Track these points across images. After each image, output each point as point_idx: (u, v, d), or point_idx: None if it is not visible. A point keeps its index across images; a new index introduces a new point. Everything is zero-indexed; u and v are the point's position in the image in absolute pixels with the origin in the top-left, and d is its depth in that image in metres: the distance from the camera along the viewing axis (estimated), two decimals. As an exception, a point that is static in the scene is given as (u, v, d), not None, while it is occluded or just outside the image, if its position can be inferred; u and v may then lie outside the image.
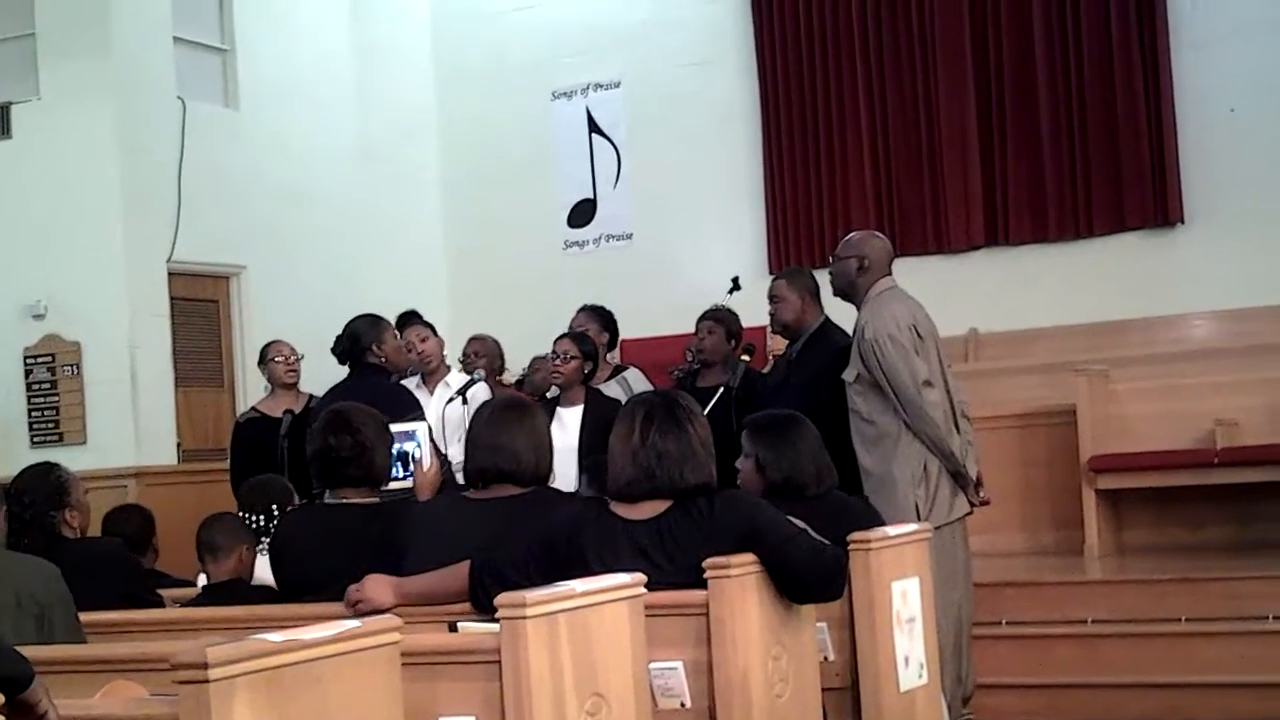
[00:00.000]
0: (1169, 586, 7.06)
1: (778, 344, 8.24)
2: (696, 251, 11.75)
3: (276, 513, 5.74)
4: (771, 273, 10.38)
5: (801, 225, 11.65)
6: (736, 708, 3.79)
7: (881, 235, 6.53)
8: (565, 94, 12.57)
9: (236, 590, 5.01)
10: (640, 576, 3.59)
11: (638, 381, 7.61)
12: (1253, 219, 10.23)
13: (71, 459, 7.08)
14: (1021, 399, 9.15)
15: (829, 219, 11.47)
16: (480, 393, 7.00)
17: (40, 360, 10.61)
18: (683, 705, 3.79)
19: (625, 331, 8.47)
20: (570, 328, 7.64)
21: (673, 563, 3.89)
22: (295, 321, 9.37)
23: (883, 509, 5.38)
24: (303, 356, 7.66)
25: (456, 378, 7.60)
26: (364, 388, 6.34)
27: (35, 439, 10.56)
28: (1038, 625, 7.10)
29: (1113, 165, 10.65)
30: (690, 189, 12.00)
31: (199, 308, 11.23)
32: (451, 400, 7.16)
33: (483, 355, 8.18)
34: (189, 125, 10.91)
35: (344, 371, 6.90)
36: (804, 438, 4.97)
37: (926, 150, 11.25)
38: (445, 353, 7.88)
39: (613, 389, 7.41)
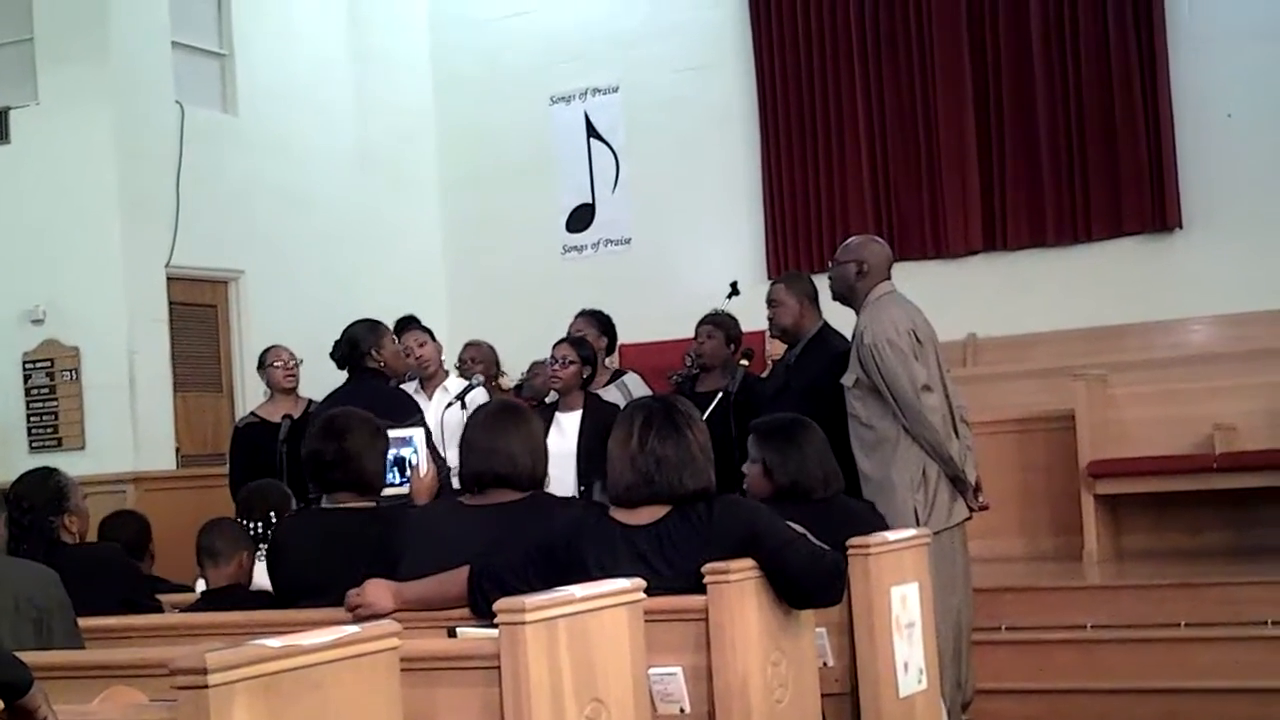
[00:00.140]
0: (1168, 591, 7.06)
1: (776, 349, 8.24)
2: (695, 256, 11.75)
3: (275, 519, 5.74)
4: (770, 277, 10.40)
5: (800, 230, 11.65)
6: (736, 713, 3.79)
7: (880, 240, 6.53)
8: (563, 99, 12.57)
9: (235, 596, 5.00)
10: (640, 582, 3.59)
11: (636, 386, 7.61)
12: (1251, 224, 10.24)
13: (70, 464, 7.07)
14: (1020, 404, 9.16)
15: (827, 224, 11.47)
16: (479, 397, 7.00)
17: (39, 365, 10.61)
18: (682, 711, 3.78)
19: (624, 336, 8.48)
20: (569, 332, 7.64)
21: (672, 568, 3.89)
22: (294, 326, 9.37)
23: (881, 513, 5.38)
24: (301, 361, 7.66)
25: (455, 383, 7.60)
26: (363, 393, 6.34)
27: (34, 444, 10.55)
28: (1037, 630, 7.10)
29: (1111, 170, 10.66)
30: (689, 194, 12.01)
31: (198, 313, 11.22)
32: (450, 405, 7.16)
33: (479, 361, 8.18)
34: (187, 130, 10.90)
35: (343, 376, 6.89)
36: (811, 442, 4.99)
37: (925, 155, 11.25)
38: (443, 358, 7.89)
39: (611, 394, 7.41)
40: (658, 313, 10.61)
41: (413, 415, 6.47)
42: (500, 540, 4.12)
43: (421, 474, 6.02)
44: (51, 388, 10.58)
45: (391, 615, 3.81)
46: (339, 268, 11.82)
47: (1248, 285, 10.05)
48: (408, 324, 7.89)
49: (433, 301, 11.64)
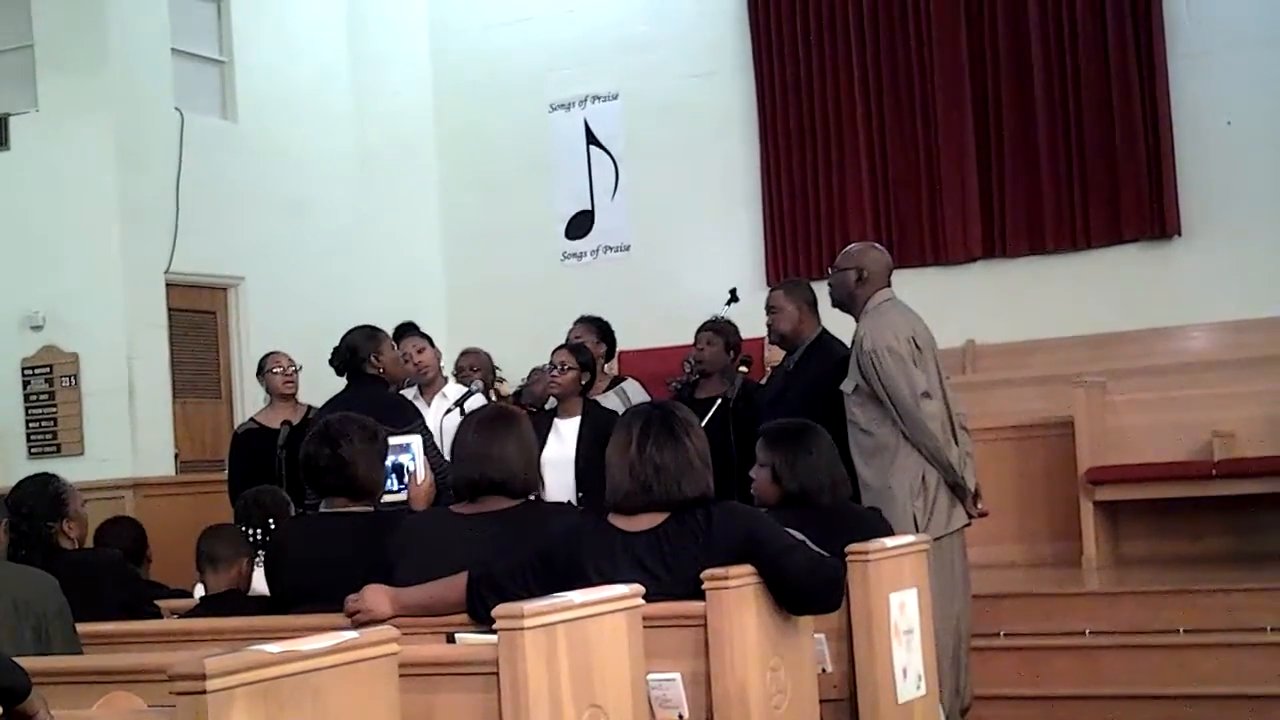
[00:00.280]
0: (1167, 598, 7.06)
1: (775, 355, 8.24)
2: (694, 263, 11.75)
3: (274, 525, 5.74)
4: (769, 284, 10.38)
5: (799, 237, 11.65)
6: (735, 719, 3.79)
7: (880, 247, 6.53)
8: (563, 106, 12.58)
9: (234, 601, 5.00)
10: (638, 588, 3.59)
11: (635, 393, 7.61)
12: (1250, 231, 10.23)
13: (69, 470, 7.09)
14: (1019, 411, 9.17)
15: (827, 230, 11.47)
16: (477, 404, 7.00)
17: (38, 371, 10.61)
18: (681, 717, 3.78)
19: (623, 343, 8.48)
20: (568, 339, 7.64)
21: (671, 574, 3.89)
22: (293, 333, 9.37)
23: (880, 520, 5.38)
24: (300, 368, 7.67)
25: (454, 389, 7.60)
26: (362, 399, 6.34)
27: (33, 450, 10.55)
28: (1035, 637, 7.10)
29: (1110, 177, 10.65)
30: (688, 200, 12.01)
31: (197, 319, 11.23)
32: (449, 411, 7.15)
33: (477, 369, 8.18)
34: (187, 137, 10.91)
35: (342, 383, 6.90)
36: (820, 447, 5.00)
37: (924, 162, 11.25)
38: (442, 364, 7.89)
39: (610, 400, 7.42)
40: (657, 319, 10.61)
41: (413, 420, 6.48)
42: (494, 550, 4.11)
43: (419, 481, 6.03)
44: (50, 393, 10.58)
45: (390, 621, 3.81)
46: (338, 274, 11.82)
47: (1247, 292, 10.04)
48: (407, 330, 7.89)
49: (432, 308, 11.63)
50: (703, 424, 4.38)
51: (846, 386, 6.04)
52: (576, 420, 7.05)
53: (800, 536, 4.03)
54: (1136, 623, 6.99)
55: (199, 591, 5.34)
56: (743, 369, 7.07)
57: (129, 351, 10.42)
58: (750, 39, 11.87)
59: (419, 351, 7.56)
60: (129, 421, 10.39)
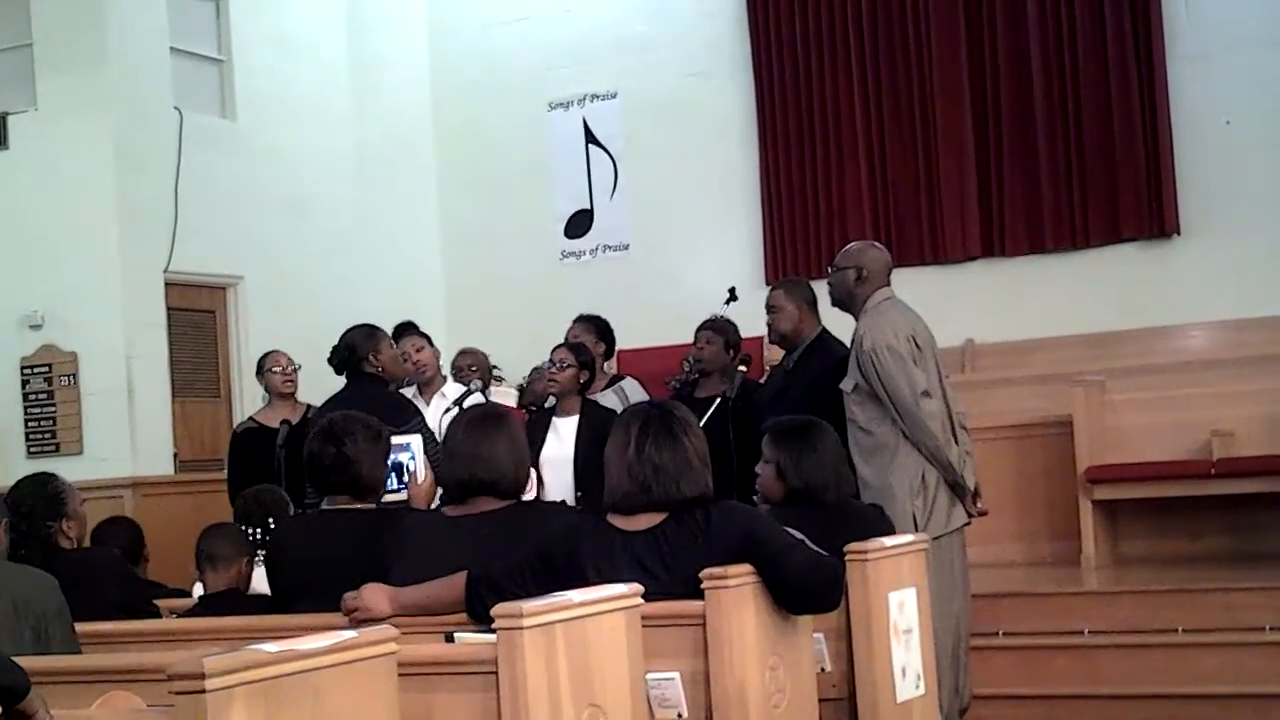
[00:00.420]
0: (1166, 597, 7.06)
1: (774, 354, 8.25)
2: (693, 262, 11.75)
3: (273, 524, 5.74)
4: (768, 283, 10.38)
5: (798, 236, 11.65)
6: (734, 718, 3.79)
7: (880, 246, 6.53)
8: (562, 105, 12.58)
9: (233, 600, 5.00)
10: (637, 587, 3.59)
11: (634, 392, 7.61)
12: (1249, 230, 10.23)
13: (68, 469, 7.08)
14: (1018, 410, 9.17)
15: (826, 230, 11.47)
16: (477, 403, 6.99)
17: (37, 370, 10.60)
18: (680, 716, 3.78)
19: (622, 342, 8.48)
20: (566, 338, 7.65)
21: (670, 573, 3.89)
22: (292, 332, 9.37)
23: (879, 519, 5.38)
24: (300, 367, 7.67)
25: (452, 388, 7.60)
26: (361, 398, 6.33)
27: (32, 449, 10.55)
28: (1034, 636, 7.10)
29: (1109, 176, 10.65)
30: (687, 200, 12.00)
31: (196, 318, 11.22)
32: (448, 410, 7.13)
33: (476, 368, 8.19)
34: (186, 136, 10.90)
35: (341, 382, 6.90)
36: (825, 445, 5.01)
37: (923, 161, 11.25)
38: (441, 363, 7.89)
39: (609, 399, 7.42)
40: (656, 318, 10.60)
41: (413, 419, 6.48)
42: (484, 553, 4.09)
43: (419, 480, 6.03)
44: (49, 393, 10.58)
45: (389, 620, 3.81)
46: (337, 273, 11.82)
47: (1246, 291, 10.05)
48: (406, 329, 7.89)
49: (431, 307, 11.63)
50: (702, 423, 4.39)
51: (846, 385, 6.04)
52: (575, 419, 7.06)
53: (799, 536, 4.03)
54: (1135, 622, 6.99)
55: (198, 591, 5.34)
56: (742, 368, 7.07)
57: (128, 351, 10.42)
58: (749, 38, 11.87)
59: (418, 350, 7.56)
60: (128, 421, 10.39)
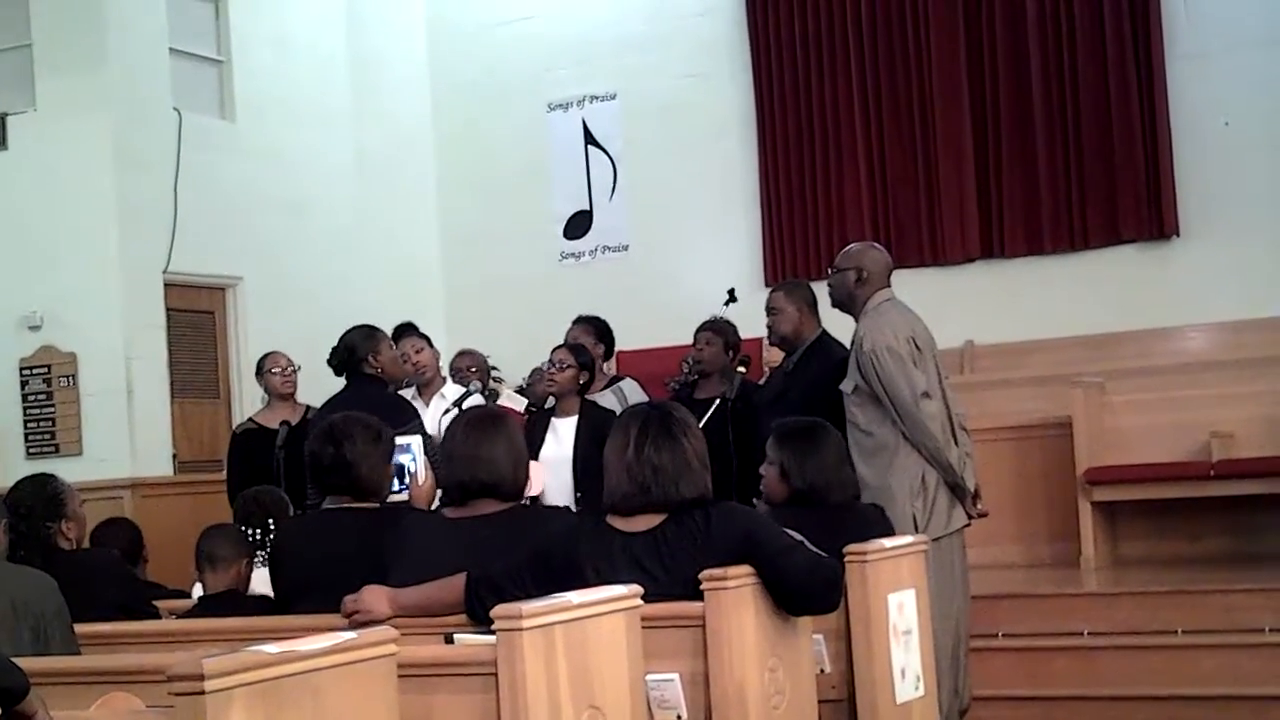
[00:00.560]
0: (1165, 599, 7.06)
1: (773, 356, 8.25)
2: (692, 263, 11.75)
3: (273, 525, 5.74)
4: (767, 284, 10.39)
5: (798, 237, 11.65)
6: (733, 719, 3.79)
7: (880, 247, 6.53)
8: (561, 106, 12.58)
9: (233, 601, 5.00)
10: (637, 588, 3.59)
11: (633, 392, 7.62)
12: (1248, 231, 10.24)
13: (67, 470, 7.08)
14: (1017, 411, 9.17)
15: (825, 231, 11.47)
16: (477, 405, 6.99)
17: (36, 371, 10.60)
18: (679, 717, 3.78)
19: (621, 343, 8.48)
20: (566, 339, 7.65)
21: (669, 575, 3.89)
22: (291, 333, 9.37)
23: (879, 520, 5.38)
24: (299, 368, 7.66)
25: (452, 389, 7.60)
26: (361, 399, 6.33)
27: (31, 450, 10.54)
28: (1034, 637, 7.10)
29: (1108, 178, 10.65)
30: (686, 201, 12.01)
31: (195, 319, 11.21)
32: (448, 412, 7.14)
33: (475, 369, 8.19)
34: (185, 137, 10.89)
35: (341, 383, 6.89)
36: (830, 446, 5.02)
37: (922, 162, 11.25)
38: (440, 364, 7.89)
39: (608, 400, 7.42)
40: (655, 319, 10.60)
41: (411, 420, 6.47)
42: (484, 555, 4.09)
43: (420, 481, 6.03)
44: (49, 394, 10.57)
45: (388, 621, 3.81)
46: (337, 274, 11.81)
47: (1245, 293, 10.05)
48: (405, 330, 7.89)
49: (430, 308, 11.63)
50: (701, 424, 4.38)
51: (846, 387, 6.04)
52: (574, 420, 7.07)
53: (799, 537, 4.03)
54: (1135, 623, 6.99)
55: (197, 591, 5.34)
56: (741, 369, 7.07)
57: (127, 352, 10.41)
58: (749, 39, 11.87)
59: (417, 351, 7.56)
60: (127, 422, 10.38)
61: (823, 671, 4.44)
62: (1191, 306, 10.22)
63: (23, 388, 10.64)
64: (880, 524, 5.02)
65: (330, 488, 4.78)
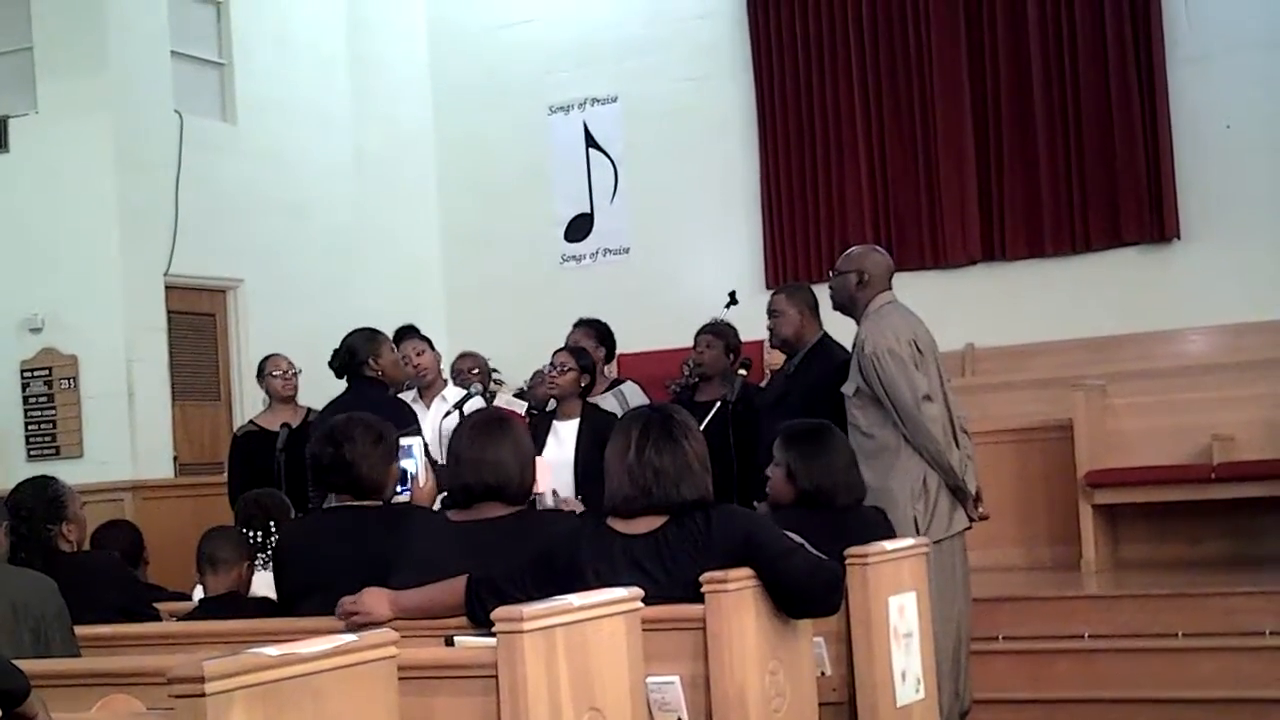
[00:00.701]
0: (1166, 602, 7.06)
1: (774, 358, 8.25)
2: (693, 266, 11.76)
3: (274, 528, 5.74)
4: (768, 287, 10.40)
5: (799, 240, 11.66)
6: (734, 722, 3.79)
7: (881, 250, 6.53)
8: (562, 109, 12.59)
9: (233, 603, 5.00)
10: (637, 591, 3.59)
11: (634, 395, 7.62)
12: (1249, 234, 10.24)
13: (68, 472, 7.09)
14: (1018, 414, 9.16)
15: (826, 234, 11.48)
16: (477, 407, 6.99)
17: (37, 374, 10.60)
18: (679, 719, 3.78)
19: (622, 346, 8.47)
20: (567, 342, 7.65)
21: (670, 577, 3.88)
22: (292, 335, 9.37)
23: (880, 523, 5.38)
24: (300, 370, 7.67)
25: (453, 391, 7.59)
26: (361, 401, 6.33)
27: (32, 452, 10.55)
28: (1034, 640, 7.10)
29: (1109, 181, 10.65)
30: (687, 203, 12.01)
31: (196, 321, 11.22)
32: (449, 414, 7.14)
33: (476, 371, 8.19)
34: (186, 139, 10.91)
35: (342, 385, 6.89)
36: (836, 448, 5.02)
37: (923, 165, 11.26)
38: (442, 367, 7.88)
39: (609, 402, 7.42)
40: (656, 322, 10.60)
41: (409, 425, 6.46)
42: (488, 559, 4.09)
43: (421, 484, 6.02)
44: (49, 396, 10.58)
45: (389, 624, 3.81)
46: (338, 277, 11.82)
47: (1246, 295, 10.05)
48: (406, 333, 7.89)
49: (431, 311, 11.63)
50: (702, 427, 4.38)
51: (847, 389, 6.04)
52: (575, 422, 7.06)
53: (799, 540, 4.03)
54: (1135, 626, 6.99)
55: (198, 594, 5.34)
56: (742, 372, 7.07)
57: (128, 354, 10.42)
58: (749, 41, 11.88)
59: (418, 354, 7.56)
60: (128, 424, 10.39)
61: (823, 674, 4.43)
62: (1193, 309, 10.23)
63: (24, 390, 10.65)
64: (882, 527, 5.02)
65: (331, 487, 4.78)
